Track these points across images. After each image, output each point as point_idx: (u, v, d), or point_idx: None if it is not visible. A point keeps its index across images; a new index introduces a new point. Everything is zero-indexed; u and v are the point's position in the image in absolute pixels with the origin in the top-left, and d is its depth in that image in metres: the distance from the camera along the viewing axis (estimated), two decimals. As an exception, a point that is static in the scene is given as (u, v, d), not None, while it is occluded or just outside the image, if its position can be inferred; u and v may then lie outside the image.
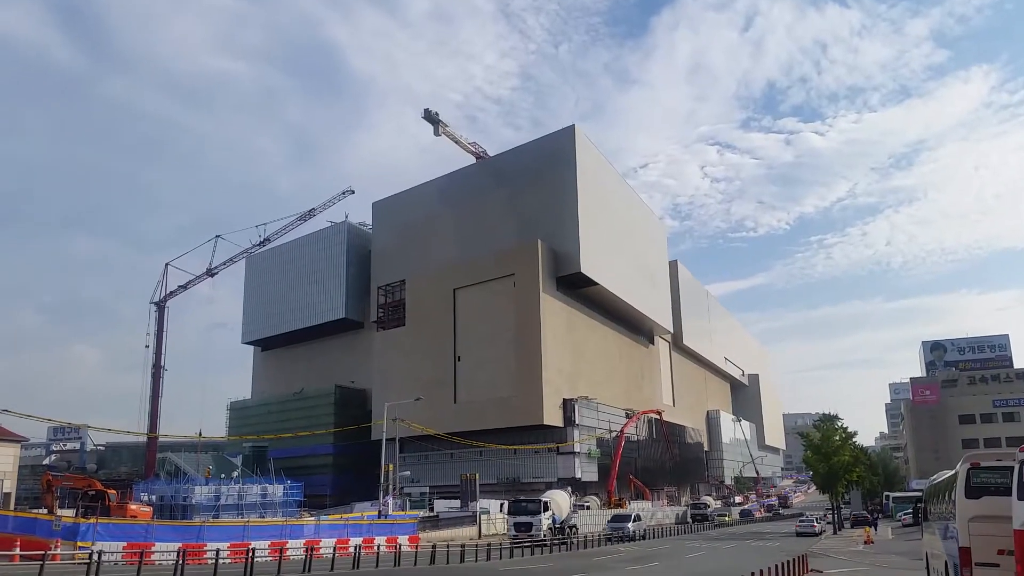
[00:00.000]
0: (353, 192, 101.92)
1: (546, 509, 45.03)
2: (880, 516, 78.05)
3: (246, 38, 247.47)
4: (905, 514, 61.78)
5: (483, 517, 53.59)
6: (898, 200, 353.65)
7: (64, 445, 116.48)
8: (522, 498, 50.88)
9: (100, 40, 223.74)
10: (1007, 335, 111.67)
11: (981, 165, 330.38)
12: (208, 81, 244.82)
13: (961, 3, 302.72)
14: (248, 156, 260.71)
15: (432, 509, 61.21)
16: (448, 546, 35.61)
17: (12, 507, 38.48)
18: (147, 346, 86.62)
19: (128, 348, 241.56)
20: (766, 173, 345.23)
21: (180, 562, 21.35)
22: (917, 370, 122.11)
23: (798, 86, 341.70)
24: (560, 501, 49.70)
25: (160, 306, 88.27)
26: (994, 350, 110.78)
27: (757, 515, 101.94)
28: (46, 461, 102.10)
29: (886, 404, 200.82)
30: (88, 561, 16.61)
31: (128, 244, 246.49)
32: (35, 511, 33.16)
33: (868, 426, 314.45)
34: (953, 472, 13.95)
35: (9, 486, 45.19)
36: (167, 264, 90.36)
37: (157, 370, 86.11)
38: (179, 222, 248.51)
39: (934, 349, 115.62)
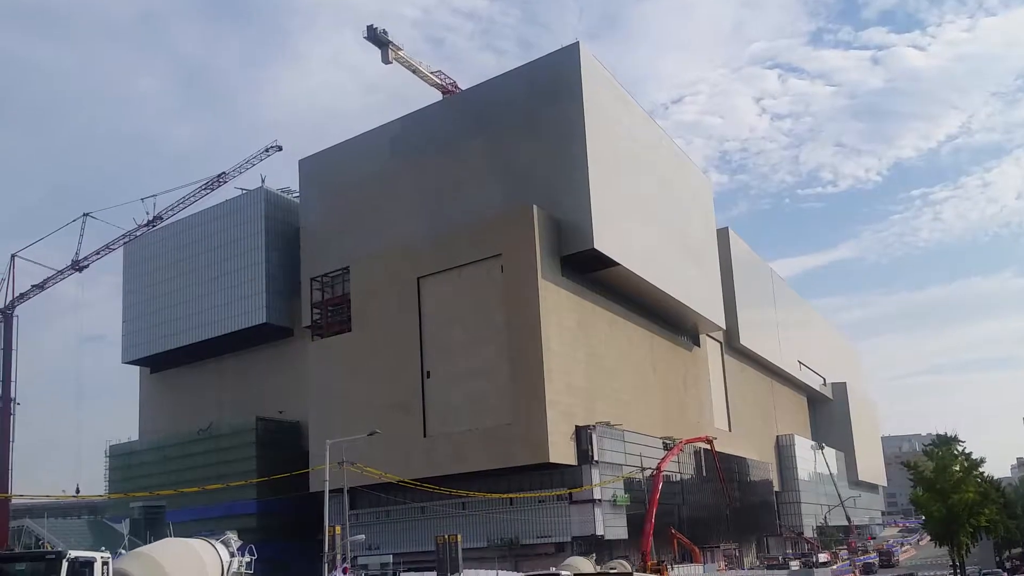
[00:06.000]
0: (280, 148, 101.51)
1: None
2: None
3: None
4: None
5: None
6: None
7: None
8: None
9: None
10: None
11: None
12: (64, 3, 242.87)
13: None
14: (125, 103, 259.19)
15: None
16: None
17: None
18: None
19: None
20: (847, 105, 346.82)
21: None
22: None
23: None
24: (193, 559, 30.54)
25: (6, 315, 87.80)
26: None
27: None
28: None
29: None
30: None
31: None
32: None
33: (1000, 450, 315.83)
34: None
35: None
36: (13, 256, 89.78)
37: (6, 404, 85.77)
38: (30, 196, 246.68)
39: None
